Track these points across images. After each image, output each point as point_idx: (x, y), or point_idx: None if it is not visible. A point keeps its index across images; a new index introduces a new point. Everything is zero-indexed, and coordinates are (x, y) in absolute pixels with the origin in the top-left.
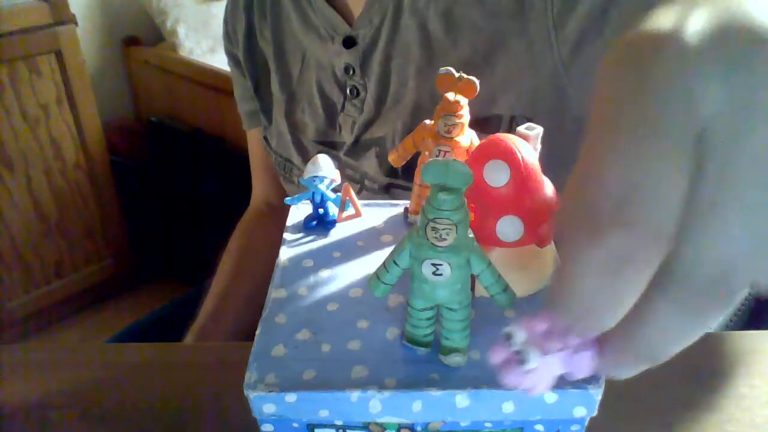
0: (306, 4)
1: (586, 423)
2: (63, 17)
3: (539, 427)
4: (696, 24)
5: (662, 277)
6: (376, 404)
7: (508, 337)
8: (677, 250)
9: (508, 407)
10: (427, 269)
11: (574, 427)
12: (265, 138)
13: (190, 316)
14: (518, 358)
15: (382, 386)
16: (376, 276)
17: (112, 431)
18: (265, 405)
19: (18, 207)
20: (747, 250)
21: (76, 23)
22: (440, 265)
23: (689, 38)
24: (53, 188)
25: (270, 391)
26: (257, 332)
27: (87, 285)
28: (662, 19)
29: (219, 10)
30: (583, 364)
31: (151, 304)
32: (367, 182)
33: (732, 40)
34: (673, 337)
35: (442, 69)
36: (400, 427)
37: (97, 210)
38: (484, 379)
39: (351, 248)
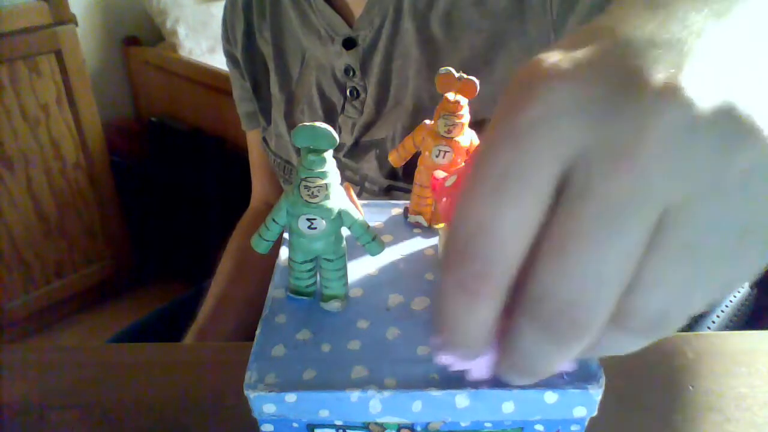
0: (306, 4)
1: (586, 423)
2: (63, 17)
3: (539, 427)
4: (577, 60)
5: (522, 297)
6: (376, 404)
7: None
8: (533, 277)
9: (508, 407)
10: (302, 224)
11: (574, 427)
12: (264, 139)
13: (190, 316)
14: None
15: (382, 386)
16: (258, 235)
17: (112, 431)
18: (265, 405)
19: (18, 207)
20: (592, 287)
21: (76, 23)
22: (314, 219)
23: (563, 76)
24: (53, 188)
25: (270, 391)
26: (257, 332)
27: (87, 285)
28: (549, 54)
29: (219, 10)
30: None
31: (151, 304)
32: (367, 184)
33: (606, 78)
34: (538, 353)
35: (442, 69)
36: (400, 427)
37: (97, 210)
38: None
39: (351, 248)
